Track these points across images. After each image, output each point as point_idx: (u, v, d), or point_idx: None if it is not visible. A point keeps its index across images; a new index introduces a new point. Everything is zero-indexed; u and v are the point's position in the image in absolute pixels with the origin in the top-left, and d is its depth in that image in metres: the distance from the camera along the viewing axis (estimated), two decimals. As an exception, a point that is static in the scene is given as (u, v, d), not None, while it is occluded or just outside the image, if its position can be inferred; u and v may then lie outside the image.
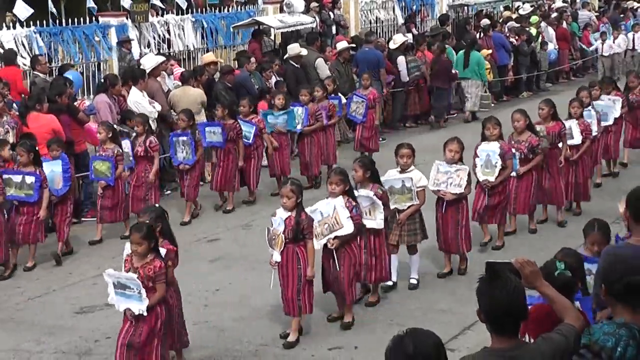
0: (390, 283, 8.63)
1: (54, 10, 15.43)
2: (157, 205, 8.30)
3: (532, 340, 4.37)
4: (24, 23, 14.24)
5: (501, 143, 9.53)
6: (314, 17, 18.29)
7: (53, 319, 8.27)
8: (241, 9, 18.23)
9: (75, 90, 12.99)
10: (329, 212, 7.62)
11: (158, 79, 13.74)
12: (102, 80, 12.84)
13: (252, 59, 15.02)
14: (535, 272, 4.24)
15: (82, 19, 15.00)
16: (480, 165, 9.50)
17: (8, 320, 8.43)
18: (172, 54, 16.08)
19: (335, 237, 7.62)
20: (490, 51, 19.65)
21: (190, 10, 17.38)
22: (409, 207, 8.53)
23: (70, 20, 14.75)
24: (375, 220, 8.02)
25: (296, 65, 15.39)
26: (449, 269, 9.11)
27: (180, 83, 13.94)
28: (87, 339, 7.87)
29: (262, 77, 14.87)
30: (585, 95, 11.83)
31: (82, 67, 14.73)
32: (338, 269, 7.70)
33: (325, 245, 7.71)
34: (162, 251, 6.74)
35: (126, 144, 11.01)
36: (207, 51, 16.46)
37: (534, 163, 10.06)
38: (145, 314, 6.48)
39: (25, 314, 8.56)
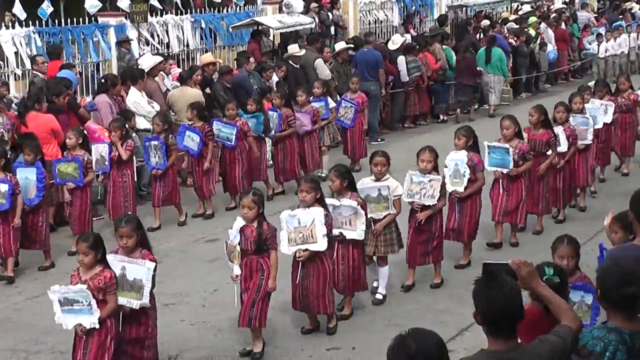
0: (379, 297, 8.46)
1: (46, 11, 15.34)
2: (131, 214, 8.10)
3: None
4: (23, 23, 14.23)
5: (471, 154, 9.12)
6: (313, 18, 18.30)
7: (50, 319, 8.20)
8: (240, 10, 18.19)
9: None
10: (307, 223, 7.34)
11: (157, 79, 13.76)
12: (102, 81, 12.84)
13: (252, 59, 15.02)
14: (531, 273, 4.24)
15: (81, 19, 14.99)
16: (449, 175, 9.12)
17: (6, 320, 8.43)
18: (170, 54, 16.07)
19: (306, 250, 7.37)
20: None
21: (189, 11, 17.37)
22: (385, 216, 8.28)
23: (69, 21, 14.74)
24: (356, 231, 7.78)
25: (295, 66, 15.39)
26: (411, 281, 8.81)
27: (178, 83, 13.95)
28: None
29: (261, 77, 14.87)
30: (579, 102, 11.39)
31: (82, 67, 14.72)
32: (297, 281, 7.46)
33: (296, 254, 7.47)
34: (149, 264, 6.59)
35: (104, 148, 10.69)
36: (206, 51, 16.46)
37: (524, 168, 9.76)
38: (97, 326, 6.28)
39: (23, 314, 8.56)
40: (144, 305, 6.61)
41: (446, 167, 9.10)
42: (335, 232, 7.68)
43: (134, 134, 12.38)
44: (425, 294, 8.75)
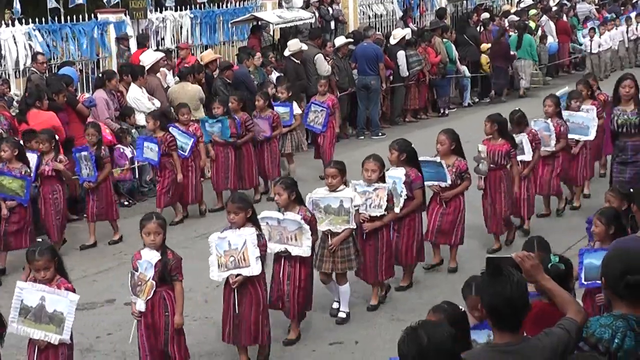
0: (343, 315, 7.98)
1: (54, 4, 15.38)
2: (44, 242, 7.31)
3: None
4: (23, 20, 14.22)
5: (408, 170, 8.30)
6: (313, 13, 18.27)
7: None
8: (240, 5, 18.17)
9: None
10: (238, 245, 6.75)
11: (159, 75, 13.75)
12: (99, 76, 12.84)
13: (258, 55, 15.00)
14: (536, 266, 4.24)
15: (80, 16, 14.99)
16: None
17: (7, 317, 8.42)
18: (170, 50, 16.06)
19: (238, 275, 6.78)
20: (490, 45, 19.71)
21: (188, 7, 17.36)
22: (343, 230, 7.69)
23: (69, 17, 14.73)
24: (301, 247, 7.23)
25: (297, 62, 15.37)
26: (376, 301, 8.26)
27: (178, 79, 13.95)
28: (89, 335, 7.88)
29: (264, 72, 14.86)
30: (549, 104, 10.59)
31: (82, 64, 14.72)
32: (237, 311, 6.87)
33: (228, 280, 6.91)
34: (73, 296, 6.13)
35: (32, 158, 9.85)
36: (206, 48, 16.45)
37: (460, 189, 8.90)
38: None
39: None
40: (63, 342, 6.13)
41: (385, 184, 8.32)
42: (280, 247, 7.27)
43: (133, 130, 12.41)
44: (428, 289, 8.74)
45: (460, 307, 4.77)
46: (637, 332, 4.07)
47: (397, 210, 8.22)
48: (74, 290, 6.20)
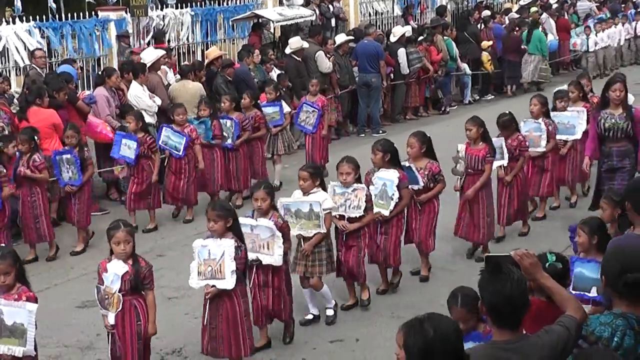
0: (310, 316, 7.90)
1: (53, 5, 15.43)
2: (6, 246, 7.35)
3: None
4: (24, 18, 14.23)
5: (398, 171, 8.18)
6: (314, 10, 18.27)
7: (55, 314, 8.28)
8: (240, 2, 18.17)
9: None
10: (216, 256, 6.55)
11: (159, 73, 13.75)
12: (100, 73, 12.84)
13: (257, 52, 15.00)
14: (534, 264, 4.24)
15: (81, 14, 14.99)
16: (374, 194, 8.18)
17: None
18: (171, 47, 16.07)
19: (213, 285, 6.59)
20: (490, 42, 19.73)
21: (189, 4, 17.36)
22: (314, 234, 7.60)
23: (69, 15, 14.74)
24: (272, 256, 7.05)
25: (298, 59, 15.38)
26: (353, 300, 8.21)
27: (179, 77, 13.95)
28: (89, 333, 7.89)
29: (264, 70, 14.87)
30: (535, 103, 10.40)
31: (82, 61, 14.73)
32: (205, 322, 6.71)
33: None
34: (30, 306, 5.93)
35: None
36: (207, 45, 16.45)
37: (436, 192, 8.61)
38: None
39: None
40: (28, 354, 5.96)
41: (373, 184, 8.22)
42: (252, 256, 7.00)
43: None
44: (428, 286, 8.75)
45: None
46: (636, 330, 4.07)
47: (387, 213, 8.15)
48: (35, 300, 6.01)
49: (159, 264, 9.11)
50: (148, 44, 15.46)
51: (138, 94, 12.69)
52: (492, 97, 19.77)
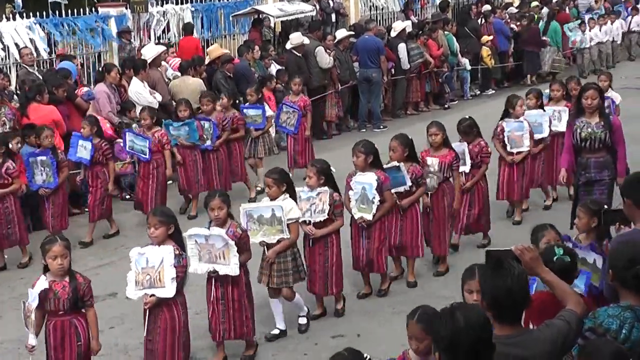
0: (276, 331, 7.58)
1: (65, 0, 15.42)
2: None
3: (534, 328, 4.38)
4: (24, 14, 14.23)
5: (378, 174, 7.94)
6: (314, 6, 18.26)
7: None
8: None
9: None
10: (155, 264, 6.27)
11: (160, 69, 13.75)
12: (101, 70, 12.84)
13: (256, 48, 14.98)
14: (535, 259, 4.25)
15: (82, 10, 14.98)
16: (354, 199, 7.98)
17: (12, 310, 8.43)
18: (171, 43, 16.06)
19: (152, 295, 6.34)
20: (491, 37, 19.71)
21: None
22: (278, 241, 7.34)
23: (70, 11, 14.74)
24: (229, 265, 6.73)
25: (298, 55, 15.37)
26: (321, 310, 7.98)
27: (179, 73, 13.94)
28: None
29: (264, 65, 14.86)
30: (521, 104, 10.21)
31: (83, 57, 14.72)
32: (145, 334, 6.48)
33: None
34: None
35: None
36: (207, 41, 16.43)
37: (418, 195, 8.40)
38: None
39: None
40: None
41: (352, 189, 8.01)
42: (209, 267, 6.80)
43: (134, 125, 12.40)
44: (429, 282, 8.76)
45: (365, 355, 4.33)
46: None
47: (370, 217, 7.91)
48: None
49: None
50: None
51: (139, 90, 12.69)
52: (493, 92, 19.76)
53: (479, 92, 19.93)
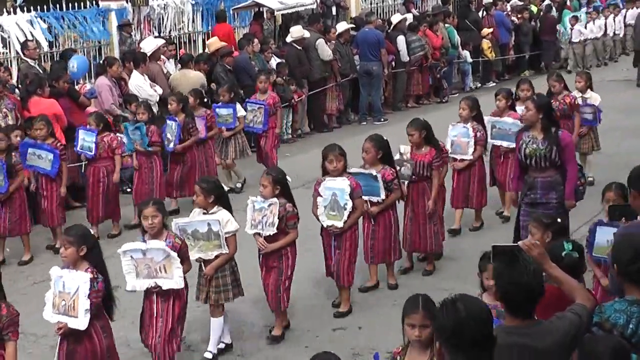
0: (208, 356, 7.11)
1: None
2: None
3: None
4: (25, 8, 14.22)
5: (349, 179, 7.52)
6: (315, -2, 18.24)
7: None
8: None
9: (80, 74, 13.01)
10: (71, 290, 5.86)
11: (159, 62, 13.75)
12: (102, 63, 12.85)
13: (255, 41, 14.98)
14: (542, 254, 4.26)
15: (83, 3, 14.97)
16: (323, 206, 7.54)
17: (13, 304, 8.45)
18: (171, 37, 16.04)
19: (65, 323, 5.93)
20: (491, 30, 19.70)
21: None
22: (216, 256, 6.94)
23: (70, 5, 14.73)
24: (172, 279, 6.38)
25: (299, 48, 15.37)
26: (279, 331, 7.44)
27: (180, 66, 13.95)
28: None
29: (264, 59, 14.85)
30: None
31: (83, 51, 14.72)
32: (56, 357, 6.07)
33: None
34: None
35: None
36: (208, 35, 16.42)
37: (388, 202, 8.03)
38: None
39: (30, 298, 8.58)
40: None
41: (321, 196, 7.58)
42: (150, 282, 6.43)
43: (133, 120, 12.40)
44: (430, 276, 8.77)
45: None
46: None
47: (341, 224, 7.51)
48: None
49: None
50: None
51: (139, 84, 12.70)
52: (494, 84, 19.75)
53: (479, 85, 19.93)
